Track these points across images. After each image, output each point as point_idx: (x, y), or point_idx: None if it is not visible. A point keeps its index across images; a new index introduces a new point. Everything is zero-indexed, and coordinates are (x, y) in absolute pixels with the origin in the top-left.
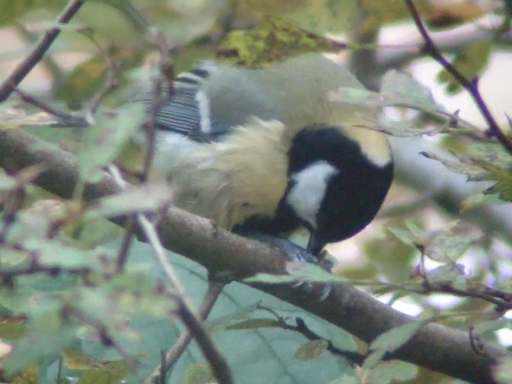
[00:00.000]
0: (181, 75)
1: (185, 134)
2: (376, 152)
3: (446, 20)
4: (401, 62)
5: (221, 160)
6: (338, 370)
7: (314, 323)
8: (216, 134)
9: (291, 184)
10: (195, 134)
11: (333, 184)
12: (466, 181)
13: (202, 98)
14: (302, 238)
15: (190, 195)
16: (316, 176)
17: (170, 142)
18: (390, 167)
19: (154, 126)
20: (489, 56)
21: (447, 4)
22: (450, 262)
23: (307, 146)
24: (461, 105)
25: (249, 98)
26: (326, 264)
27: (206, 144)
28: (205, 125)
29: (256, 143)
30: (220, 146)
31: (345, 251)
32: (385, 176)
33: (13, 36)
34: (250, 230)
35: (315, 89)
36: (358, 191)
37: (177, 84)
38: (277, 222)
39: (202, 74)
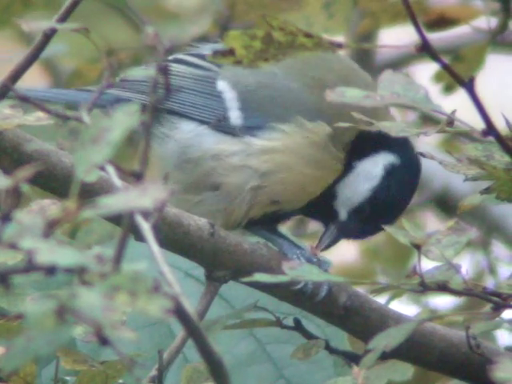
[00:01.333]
0: (177, 56)
1: (203, 123)
2: (421, 151)
3: (442, 21)
4: (398, 63)
5: (255, 157)
6: (333, 373)
7: (309, 326)
8: (251, 129)
9: (347, 171)
10: (221, 126)
11: (391, 172)
12: (463, 181)
13: (225, 89)
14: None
15: (208, 187)
16: (376, 163)
17: (187, 130)
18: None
19: (150, 126)
20: (485, 57)
21: (443, 5)
22: (447, 261)
23: (367, 141)
24: (457, 106)
25: (292, 96)
26: (323, 264)
27: (238, 137)
28: (235, 117)
29: (297, 144)
30: (256, 142)
31: (344, 253)
32: (420, 173)
33: (11, 37)
34: (251, 225)
35: None
36: (408, 184)
37: (185, 68)
38: (287, 214)
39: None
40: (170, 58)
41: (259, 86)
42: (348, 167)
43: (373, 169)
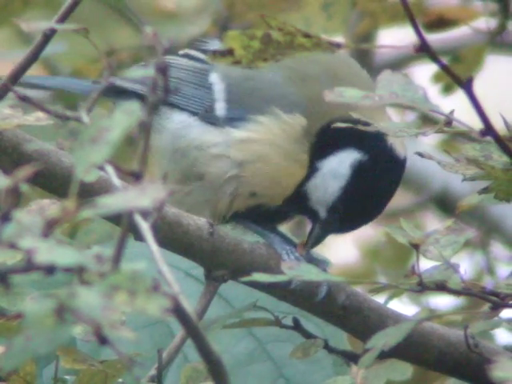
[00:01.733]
0: (183, 52)
1: (194, 114)
2: (399, 144)
3: (441, 22)
4: (397, 64)
5: (233, 147)
6: (332, 372)
7: (308, 325)
8: (232, 120)
9: (313, 171)
10: (208, 117)
11: (359, 170)
12: (462, 181)
13: (216, 81)
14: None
15: (194, 177)
16: (342, 162)
17: (178, 121)
18: (405, 161)
19: (150, 126)
20: (483, 58)
21: (442, 7)
22: (445, 261)
23: (333, 135)
24: (456, 107)
25: (272, 88)
26: (321, 263)
27: (220, 128)
28: (220, 108)
29: (274, 135)
30: (235, 133)
31: (344, 254)
32: (402, 169)
33: (10, 36)
34: (243, 219)
35: (336, 86)
36: (381, 180)
37: (186, 62)
38: (275, 212)
39: (202, 50)
40: (181, 52)
41: (245, 79)
42: (313, 164)
43: (339, 168)
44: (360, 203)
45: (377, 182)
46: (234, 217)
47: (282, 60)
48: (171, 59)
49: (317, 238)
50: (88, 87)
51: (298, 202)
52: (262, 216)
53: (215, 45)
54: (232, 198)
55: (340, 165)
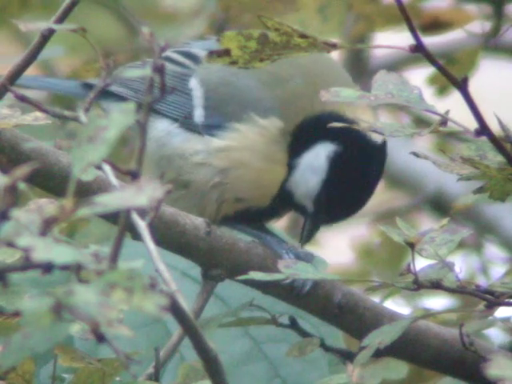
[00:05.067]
0: (165, 54)
1: (175, 120)
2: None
3: (436, 25)
4: (392, 67)
5: (215, 156)
6: (328, 372)
7: (304, 325)
8: (210, 127)
9: (292, 168)
10: (187, 123)
11: (336, 161)
12: (457, 180)
13: (195, 86)
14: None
15: (180, 185)
16: (318, 155)
17: (161, 128)
18: (385, 145)
19: (146, 125)
20: (477, 61)
21: (437, 9)
22: (441, 259)
23: (307, 131)
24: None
25: (247, 93)
26: (308, 257)
27: (199, 136)
28: (198, 115)
29: (252, 141)
30: (214, 142)
31: (339, 255)
32: (382, 153)
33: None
34: (234, 222)
35: (311, 84)
36: (360, 168)
37: (167, 66)
38: (265, 211)
39: (193, 58)
40: (163, 55)
41: (221, 84)
42: (292, 161)
43: (316, 161)
44: (343, 192)
45: (356, 170)
46: (224, 220)
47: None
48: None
49: (309, 232)
50: (75, 88)
51: (284, 199)
52: (251, 215)
53: (197, 46)
54: (219, 204)
55: (316, 158)
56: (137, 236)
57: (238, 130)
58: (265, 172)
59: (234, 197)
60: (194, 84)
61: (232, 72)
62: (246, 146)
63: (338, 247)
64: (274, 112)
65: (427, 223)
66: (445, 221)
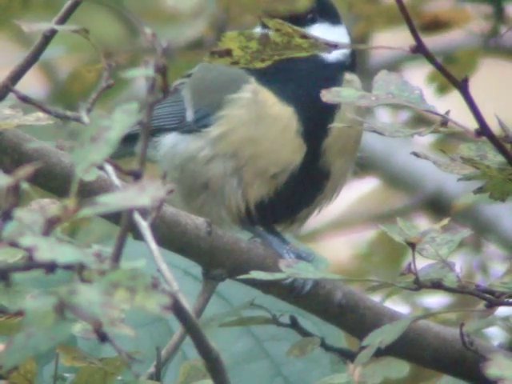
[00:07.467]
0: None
1: (175, 129)
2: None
3: (435, 25)
4: (392, 67)
5: (218, 145)
6: (330, 370)
7: (305, 324)
8: (199, 120)
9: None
10: (182, 126)
11: None
12: (457, 180)
13: (185, 94)
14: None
15: (200, 189)
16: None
17: (166, 142)
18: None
19: (148, 124)
20: (477, 61)
21: (437, 9)
22: (441, 259)
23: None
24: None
25: (217, 81)
26: (308, 256)
27: (197, 133)
28: (189, 115)
29: (239, 116)
30: (212, 132)
31: (338, 255)
32: None
33: (10, 38)
34: (252, 226)
35: None
36: None
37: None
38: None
39: (189, 75)
40: None
41: (200, 81)
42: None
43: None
44: None
45: None
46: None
47: None
48: None
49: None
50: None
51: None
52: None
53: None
54: (242, 189)
55: None
56: (138, 236)
57: (223, 116)
58: (267, 130)
59: (258, 173)
60: (184, 92)
61: (207, 67)
62: (238, 123)
63: (337, 247)
64: (242, 81)
65: (426, 223)
66: (445, 221)
